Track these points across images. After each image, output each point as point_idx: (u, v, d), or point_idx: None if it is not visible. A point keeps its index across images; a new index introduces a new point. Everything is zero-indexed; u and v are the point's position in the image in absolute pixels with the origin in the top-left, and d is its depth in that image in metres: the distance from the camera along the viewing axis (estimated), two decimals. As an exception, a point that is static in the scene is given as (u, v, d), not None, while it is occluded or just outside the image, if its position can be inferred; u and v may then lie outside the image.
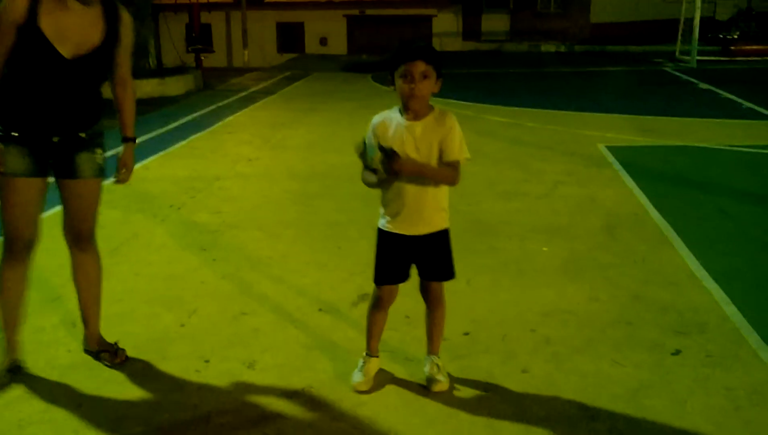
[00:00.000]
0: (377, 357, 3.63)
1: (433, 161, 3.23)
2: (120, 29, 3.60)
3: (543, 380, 3.61)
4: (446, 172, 3.26)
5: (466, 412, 3.34)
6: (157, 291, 4.80)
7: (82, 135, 3.56)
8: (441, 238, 3.39)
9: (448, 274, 3.48)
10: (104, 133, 3.71)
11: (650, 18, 27.92)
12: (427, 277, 3.48)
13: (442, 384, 3.51)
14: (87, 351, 3.89)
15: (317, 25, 29.03)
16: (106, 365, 3.78)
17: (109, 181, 3.77)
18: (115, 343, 3.87)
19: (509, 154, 8.78)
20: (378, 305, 3.54)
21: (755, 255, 5.35)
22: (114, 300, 4.63)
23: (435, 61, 3.17)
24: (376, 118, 3.33)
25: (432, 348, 3.60)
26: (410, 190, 3.26)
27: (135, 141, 3.82)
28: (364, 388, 3.51)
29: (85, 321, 3.87)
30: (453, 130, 3.25)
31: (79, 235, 3.75)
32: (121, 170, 3.77)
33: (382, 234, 3.41)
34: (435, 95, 3.24)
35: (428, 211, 3.32)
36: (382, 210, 3.39)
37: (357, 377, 3.54)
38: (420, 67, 3.12)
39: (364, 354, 3.61)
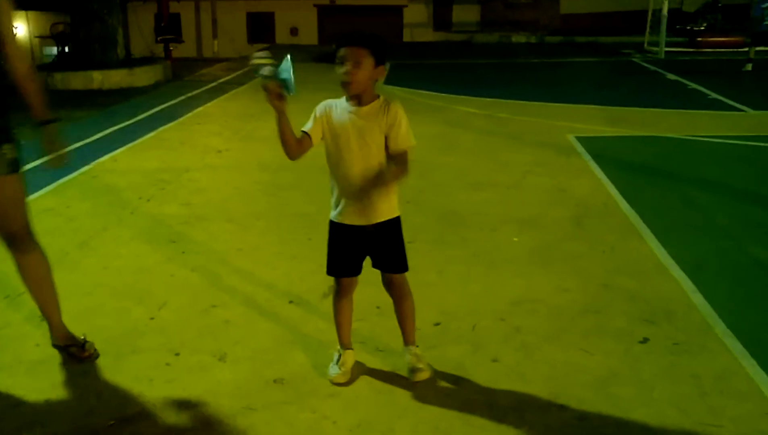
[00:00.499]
0: (351, 349, 3.62)
1: (376, 148, 3.21)
2: None
3: (513, 369, 3.64)
4: (400, 169, 3.21)
5: (438, 402, 3.36)
6: (126, 284, 4.76)
7: None
8: (392, 227, 3.35)
9: (401, 265, 3.44)
10: (11, 128, 3.47)
11: (619, 9, 28.10)
12: (381, 269, 3.48)
13: (424, 373, 3.51)
14: (55, 346, 3.85)
15: (288, 15, 28.85)
16: (75, 359, 3.75)
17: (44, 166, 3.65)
18: (83, 337, 3.83)
19: (480, 144, 8.81)
20: (338, 294, 3.55)
21: (722, 244, 5.43)
22: (83, 293, 4.59)
23: (371, 47, 3.14)
24: (322, 103, 3.37)
25: (407, 339, 3.60)
26: (357, 178, 3.22)
27: (51, 122, 3.53)
28: (342, 380, 3.50)
29: (48, 319, 3.83)
30: (399, 118, 3.20)
31: (12, 236, 3.58)
32: (49, 154, 3.55)
33: (332, 225, 3.40)
34: (390, 84, 3.23)
35: (376, 199, 3.25)
36: (332, 201, 3.38)
37: (333, 371, 3.53)
38: (352, 52, 3.13)
39: (338, 347, 3.61)
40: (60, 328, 3.82)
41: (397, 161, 3.22)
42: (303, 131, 3.33)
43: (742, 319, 4.15)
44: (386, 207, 3.31)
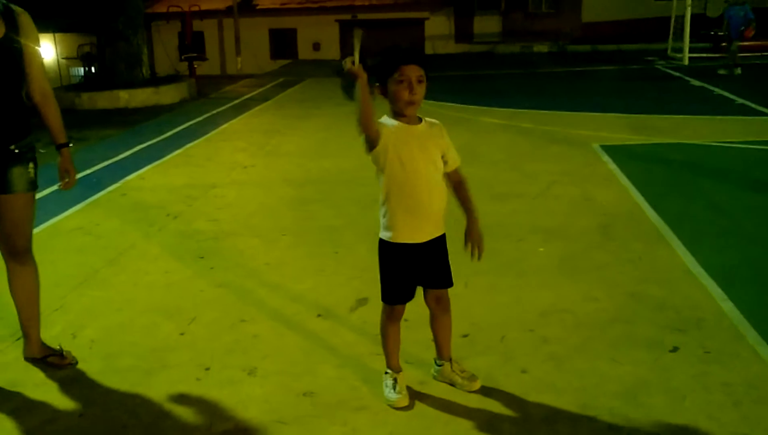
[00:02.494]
0: (401, 371, 3.54)
1: (436, 166, 3.23)
2: (19, 32, 3.54)
3: (542, 380, 3.63)
4: (465, 187, 3.37)
5: (467, 414, 3.36)
6: (155, 300, 4.81)
7: (14, 148, 3.57)
8: (443, 241, 3.37)
9: (450, 279, 3.44)
10: (35, 147, 3.71)
11: (641, 16, 28.00)
12: (434, 286, 3.42)
13: (477, 380, 3.54)
14: (30, 359, 3.90)
15: (310, 30, 29.10)
16: (56, 368, 3.82)
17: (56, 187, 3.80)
18: (59, 346, 3.92)
19: (504, 155, 8.81)
20: (391, 320, 3.44)
21: (751, 250, 5.38)
22: (113, 310, 4.65)
23: (427, 65, 3.13)
24: (383, 120, 3.18)
25: (446, 353, 3.58)
26: (424, 196, 3.20)
27: (69, 145, 3.82)
28: (404, 403, 3.40)
29: (27, 333, 3.90)
30: (448, 138, 3.28)
31: (15, 249, 3.74)
32: (64, 177, 3.80)
33: (391, 247, 3.27)
34: (426, 97, 3.24)
35: (438, 214, 3.28)
36: (385, 220, 3.25)
37: (392, 395, 3.42)
38: (417, 70, 3.08)
39: (389, 371, 3.50)
40: (38, 341, 3.91)
41: (459, 178, 3.35)
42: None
43: (774, 327, 4.10)
44: (442, 222, 3.33)
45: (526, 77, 18.50)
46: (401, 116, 3.17)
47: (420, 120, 3.23)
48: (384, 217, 3.27)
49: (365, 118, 3.01)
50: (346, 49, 28.01)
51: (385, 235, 3.28)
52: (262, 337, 4.22)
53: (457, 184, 3.36)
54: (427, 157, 3.20)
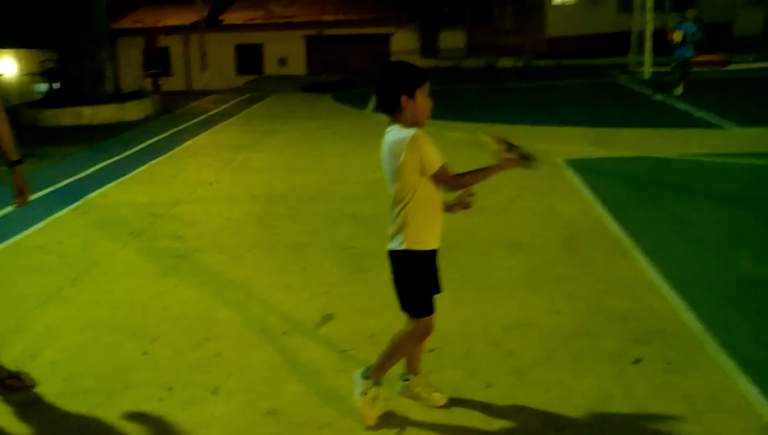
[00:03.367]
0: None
1: None
2: None
3: (508, 393, 3.64)
4: None
5: (434, 428, 3.36)
6: (119, 319, 4.76)
7: None
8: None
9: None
10: None
11: (604, 31, 28.41)
12: (440, 289, 3.46)
13: (442, 395, 3.55)
14: None
15: (276, 46, 29.08)
16: (13, 391, 3.76)
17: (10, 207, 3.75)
18: (15, 369, 3.85)
19: (469, 169, 8.83)
20: (424, 338, 3.43)
21: (711, 262, 5.46)
22: (76, 329, 4.59)
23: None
24: (421, 136, 3.18)
25: (416, 367, 3.59)
26: (440, 200, 3.33)
27: (21, 162, 3.76)
28: (373, 423, 3.38)
29: None
30: None
31: None
32: (17, 195, 3.75)
33: (421, 256, 3.29)
34: (380, 111, 3.26)
35: None
36: (415, 231, 3.25)
37: (374, 410, 3.39)
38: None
39: (377, 384, 3.41)
40: None
41: None
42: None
43: (734, 337, 4.17)
44: None
45: (490, 92, 18.66)
46: (418, 126, 3.22)
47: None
48: (410, 229, 3.24)
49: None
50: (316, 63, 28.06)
51: (415, 246, 3.26)
52: (226, 355, 4.18)
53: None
54: None
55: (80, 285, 5.40)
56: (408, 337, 3.37)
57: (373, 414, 3.39)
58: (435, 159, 3.15)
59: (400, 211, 3.23)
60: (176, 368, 4.03)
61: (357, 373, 3.46)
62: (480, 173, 3.27)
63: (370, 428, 3.37)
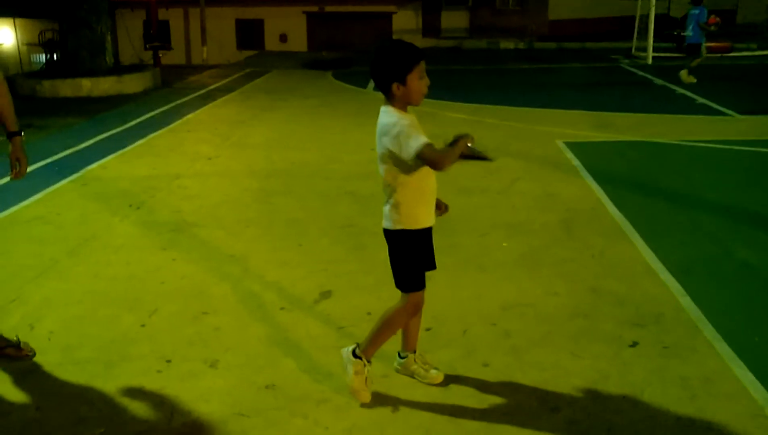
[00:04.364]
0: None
1: None
2: None
3: (504, 374, 3.66)
4: None
5: (429, 407, 3.38)
6: (116, 292, 4.76)
7: None
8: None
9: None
10: None
11: (607, 15, 28.30)
12: (433, 266, 3.48)
13: (439, 373, 3.58)
14: None
15: (277, 21, 28.90)
16: (12, 360, 3.77)
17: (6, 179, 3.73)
18: (16, 338, 3.86)
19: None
20: (415, 314, 3.46)
21: (709, 247, 5.48)
22: (73, 302, 4.59)
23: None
24: (406, 119, 3.17)
25: (412, 345, 3.61)
26: (434, 179, 3.33)
27: (21, 134, 3.76)
28: (369, 399, 3.40)
29: None
30: None
31: None
32: (14, 166, 3.73)
33: (414, 235, 3.29)
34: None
35: None
36: (409, 211, 3.26)
37: (366, 387, 3.39)
38: (424, 65, 3.16)
39: (370, 365, 3.42)
40: None
41: None
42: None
43: (730, 322, 4.19)
44: None
45: (491, 73, 18.59)
46: (404, 110, 3.19)
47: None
48: (403, 209, 3.24)
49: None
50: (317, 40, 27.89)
51: (407, 225, 3.27)
52: (224, 329, 4.19)
53: None
54: None
55: (78, 257, 5.40)
56: (399, 312, 3.39)
57: (367, 392, 3.41)
58: (413, 147, 3.05)
59: (391, 191, 3.24)
60: (174, 341, 4.04)
61: (345, 351, 3.45)
62: (451, 150, 3.13)
63: (366, 405, 3.38)
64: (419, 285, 3.36)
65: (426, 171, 3.21)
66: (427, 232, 3.35)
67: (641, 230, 5.76)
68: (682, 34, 21.65)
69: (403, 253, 3.33)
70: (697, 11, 14.72)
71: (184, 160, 8.60)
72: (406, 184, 3.22)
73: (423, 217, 3.30)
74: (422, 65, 3.14)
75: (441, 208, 3.45)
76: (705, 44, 15.01)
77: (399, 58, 3.12)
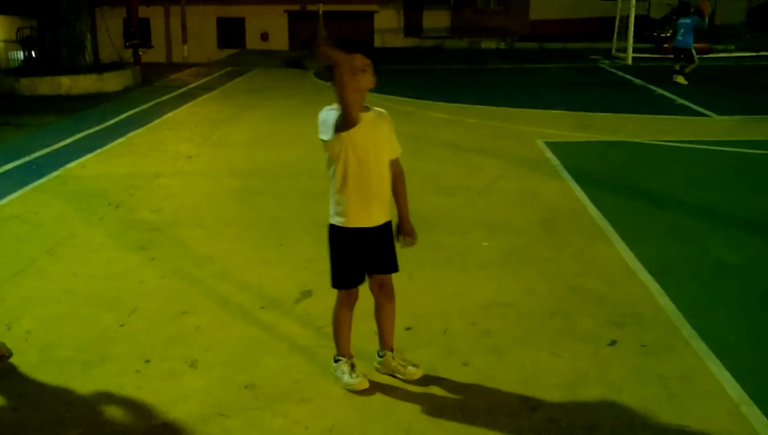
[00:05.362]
0: (353, 357, 3.59)
1: (384, 153, 3.32)
2: None
3: (484, 373, 3.67)
4: (402, 179, 3.47)
5: (409, 406, 3.38)
6: (95, 291, 4.72)
7: None
8: (389, 227, 3.45)
9: (396, 265, 3.51)
10: None
11: (587, 16, 28.46)
12: (379, 271, 3.47)
13: (418, 369, 3.60)
14: None
15: (258, 20, 28.81)
16: None
17: None
18: None
19: (450, 150, 8.86)
20: (346, 305, 3.49)
21: (687, 247, 5.52)
22: (51, 301, 4.55)
23: (373, 56, 3.20)
24: (328, 112, 3.20)
25: (389, 343, 3.63)
26: (374, 182, 3.28)
27: None
28: (366, 385, 3.47)
29: None
30: (391, 128, 3.36)
31: None
32: None
33: (341, 232, 3.34)
34: (373, 91, 3.25)
35: (386, 199, 3.38)
36: (338, 207, 3.31)
37: (351, 380, 3.48)
38: (361, 60, 3.14)
39: (341, 358, 3.54)
40: None
41: (398, 170, 3.45)
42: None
43: (707, 321, 4.22)
44: (387, 208, 3.41)
45: (473, 73, 18.63)
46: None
47: (368, 108, 3.28)
48: (337, 204, 3.32)
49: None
50: (298, 38, 27.89)
51: (337, 220, 3.34)
52: (204, 328, 4.17)
53: (394, 175, 3.43)
54: (376, 145, 3.28)
55: (57, 256, 5.35)
56: (335, 307, 3.52)
57: (360, 380, 3.48)
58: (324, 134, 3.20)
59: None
60: (153, 341, 4.02)
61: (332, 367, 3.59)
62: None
63: (364, 392, 3.45)
64: (339, 283, 3.44)
65: (357, 166, 3.23)
66: (358, 233, 3.32)
67: (620, 230, 5.80)
68: (662, 35, 21.88)
69: (331, 248, 3.40)
70: (688, 20, 14.82)
71: (164, 159, 8.55)
72: (340, 178, 3.27)
73: (356, 216, 3.30)
74: (362, 60, 3.14)
75: (408, 235, 3.49)
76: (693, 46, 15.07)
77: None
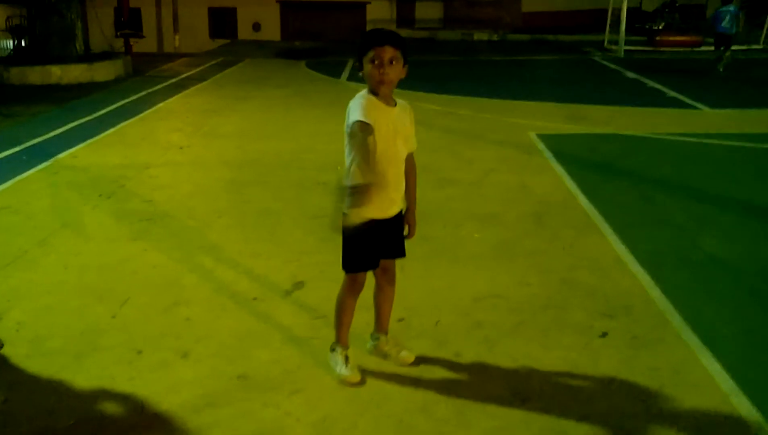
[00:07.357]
0: (349, 347, 3.60)
1: (405, 147, 3.38)
2: None
3: (476, 364, 3.69)
4: (414, 173, 3.54)
5: (401, 396, 3.39)
6: (87, 282, 4.71)
7: None
8: (402, 216, 3.51)
9: (404, 250, 3.57)
10: None
11: (580, 8, 28.44)
12: (392, 256, 3.53)
13: (410, 353, 3.66)
14: None
15: (250, 10, 28.64)
16: None
17: None
18: None
19: (443, 142, 8.85)
20: (354, 291, 3.51)
21: (678, 240, 5.54)
22: (43, 292, 4.54)
23: (402, 47, 3.23)
24: (365, 98, 3.22)
25: (385, 326, 3.67)
26: (394, 174, 3.34)
27: None
28: (358, 378, 3.49)
29: None
30: (413, 122, 3.42)
31: None
32: None
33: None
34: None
35: (402, 190, 3.44)
36: (353, 200, 3.24)
37: (345, 371, 3.50)
38: (389, 52, 3.17)
39: (338, 348, 3.55)
40: None
41: (412, 163, 3.50)
42: (363, 121, 3.16)
43: (698, 313, 4.25)
44: (402, 199, 3.47)
45: (465, 65, 18.62)
46: (376, 94, 3.24)
47: (395, 103, 3.31)
48: (355, 194, 3.26)
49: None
50: (287, 33, 27.77)
51: (354, 211, 3.25)
52: (195, 320, 4.17)
53: (408, 168, 3.47)
54: (400, 139, 3.32)
55: (48, 247, 5.33)
56: (341, 292, 3.52)
57: (354, 373, 3.49)
58: (350, 120, 3.20)
59: (347, 171, 3.30)
60: (145, 332, 4.01)
61: (328, 355, 3.59)
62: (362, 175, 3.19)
63: (357, 384, 3.47)
64: (351, 267, 3.45)
65: (381, 159, 3.25)
66: (375, 223, 3.31)
67: (612, 222, 5.82)
68: (654, 28, 21.93)
69: (346, 235, 3.36)
70: (732, 8, 15.45)
71: (155, 150, 8.51)
72: (354, 167, 3.27)
73: (374, 208, 3.28)
74: (376, 52, 3.16)
75: (412, 227, 3.57)
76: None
77: (360, 42, 3.24)
